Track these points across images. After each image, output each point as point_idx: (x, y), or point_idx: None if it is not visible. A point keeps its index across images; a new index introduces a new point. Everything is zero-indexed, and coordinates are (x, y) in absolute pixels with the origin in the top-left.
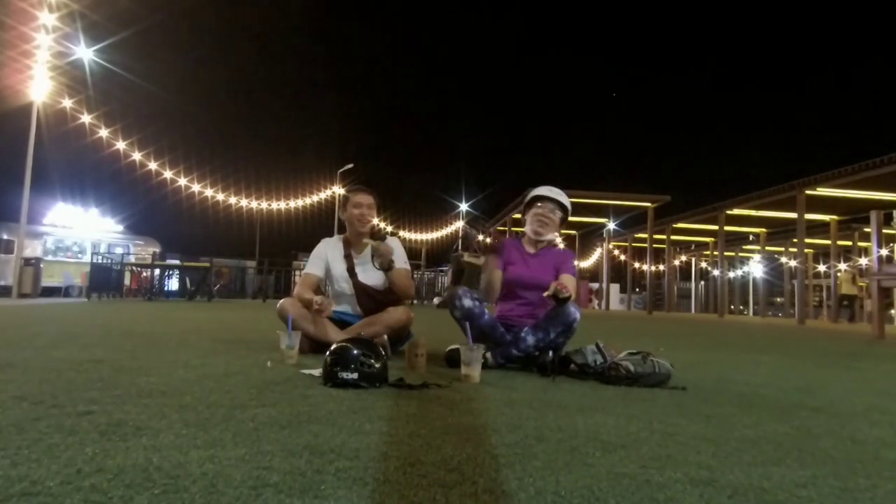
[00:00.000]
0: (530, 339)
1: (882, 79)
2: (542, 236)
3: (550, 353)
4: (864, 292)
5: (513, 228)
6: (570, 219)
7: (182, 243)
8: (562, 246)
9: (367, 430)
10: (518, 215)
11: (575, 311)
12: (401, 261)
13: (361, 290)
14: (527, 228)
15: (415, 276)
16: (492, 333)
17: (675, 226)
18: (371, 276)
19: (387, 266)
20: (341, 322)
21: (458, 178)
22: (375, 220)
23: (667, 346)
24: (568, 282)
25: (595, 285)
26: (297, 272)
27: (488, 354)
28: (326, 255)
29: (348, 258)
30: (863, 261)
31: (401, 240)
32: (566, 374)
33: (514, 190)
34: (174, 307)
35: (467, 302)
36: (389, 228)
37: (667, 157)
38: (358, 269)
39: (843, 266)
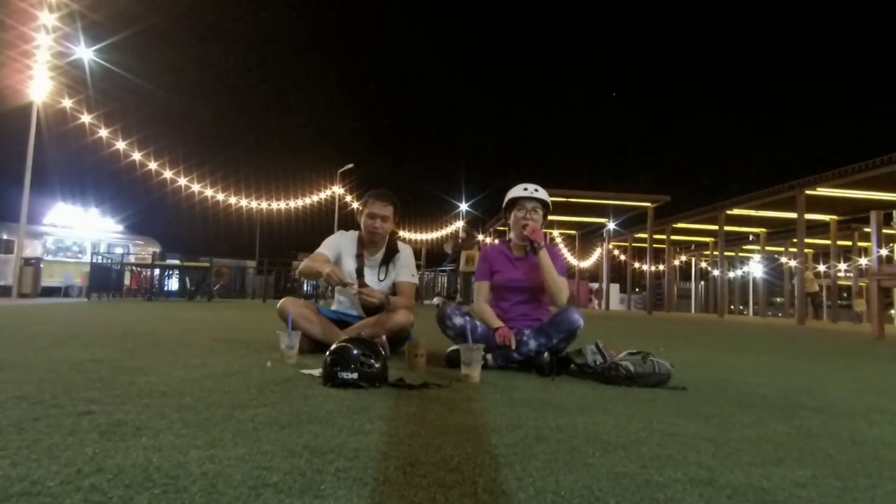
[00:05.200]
0: (532, 344)
1: (883, 79)
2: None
3: (546, 354)
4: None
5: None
6: (571, 219)
7: (182, 243)
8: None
9: (367, 430)
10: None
11: (579, 318)
12: (408, 273)
13: None
14: (511, 234)
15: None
16: (488, 344)
17: (675, 226)
18: (377, 280)
19: (378, 305)
20: (341, 322)
21: (458, 177)
22: (399, 232)
23: (667, 346)
24: (562, 284)
25: (595, 285)
26: (297, 273)
27: (489, 356)
28: (340, 248)
29: (360, 258)
30: (863, 261)
31: (403, 241)
32: (566, 374)
33: None
34: (174, 307)
35: (458, 320)
36: (400, 233)
37: (667, 156)
38: (367, 271)
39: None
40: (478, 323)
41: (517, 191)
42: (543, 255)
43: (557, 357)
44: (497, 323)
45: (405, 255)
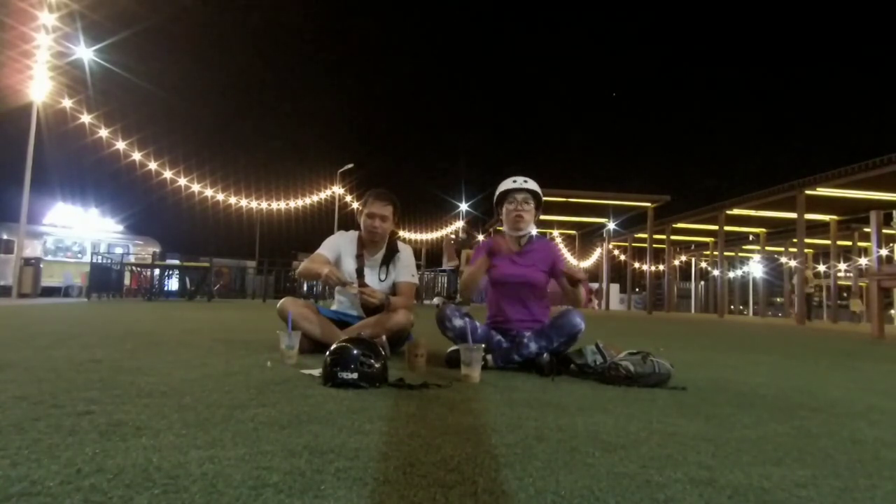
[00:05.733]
0: (533, 346)
1: (882, 78)
2: (521, 231)
3: (546, 354)
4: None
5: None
6: (571, 219)
7: (182, 243)
8: (535, 230)
9: (367, 430)
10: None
11: (580, 321)
12: (408, 273)
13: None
14: (505, 227)
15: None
16: (488, 345)
17: (675, 226)
18: (377, 280)
19: (379, 305)
20: (341, 322)
21: (458, 177)
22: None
23: (667, 346)
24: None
25: (595, 285)
26: (297, 274)
27: (489, 357)
28: (340, 248)
29: (360, 258)
30: (863, 261)
31: (403, 241)
32: (566, 374)
33: None
34: (174, 307)
35: (458, 322)
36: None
37: (667, 156)
38: (367, 271)
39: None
40: (478, 324)
41: (507, 184)
42: (579, 289)
43: (557, 357)
44: (486, 262)
45: (405, 255)
